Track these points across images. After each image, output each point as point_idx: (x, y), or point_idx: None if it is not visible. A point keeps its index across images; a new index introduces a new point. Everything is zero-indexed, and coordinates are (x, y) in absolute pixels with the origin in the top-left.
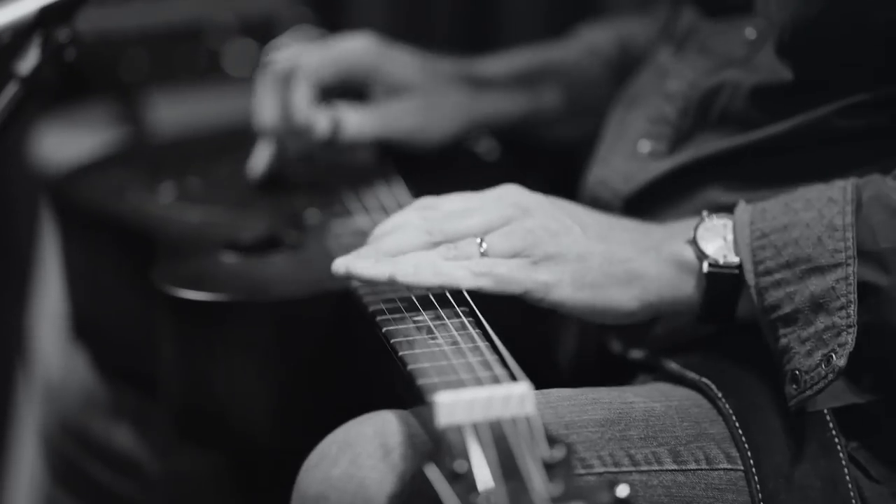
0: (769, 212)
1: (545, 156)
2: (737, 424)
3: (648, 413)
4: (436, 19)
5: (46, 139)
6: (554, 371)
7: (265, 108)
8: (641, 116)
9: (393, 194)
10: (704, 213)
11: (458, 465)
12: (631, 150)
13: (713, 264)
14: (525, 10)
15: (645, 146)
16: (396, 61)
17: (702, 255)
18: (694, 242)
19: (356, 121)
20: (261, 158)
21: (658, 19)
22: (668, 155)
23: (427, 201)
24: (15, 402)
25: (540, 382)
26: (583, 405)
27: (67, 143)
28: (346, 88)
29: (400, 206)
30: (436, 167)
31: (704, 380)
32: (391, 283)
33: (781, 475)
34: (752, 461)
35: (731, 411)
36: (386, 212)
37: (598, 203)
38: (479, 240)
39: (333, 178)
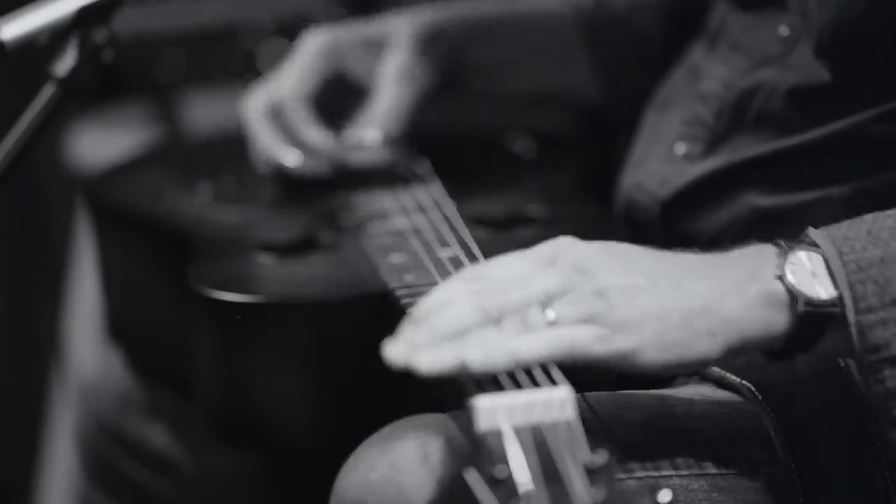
0: (853, 241)
1: (579, 153)
2: (778, 428)
3: (688, 416)
4: None
5: (82, 140)
6: (591, 373)
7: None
8: (676, 118)
9: (429, 193)
10: (780, 241)
11: (499, 471)
12: (667, 152)
13: (810, 301)
14: None
15: (681, 148)
16: (353, 49)
17: (797, 293)
18: (782, 278)
19: (372, 131)
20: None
21: None
22: (704, 157)
23: (473, 271)
24: (50, 402)
25: (578, 386)
26: (621, 408)
27: (103, 143)
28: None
29: (438, 206)
30: (472, 166)
31: (746, 383)
32: (462, 372)
33: (824, 480)
34: (793, 465)
35: (772, 415)
36: (423, 211)
37: (634, 207)
38: (542, 308)
39: (369, 177)
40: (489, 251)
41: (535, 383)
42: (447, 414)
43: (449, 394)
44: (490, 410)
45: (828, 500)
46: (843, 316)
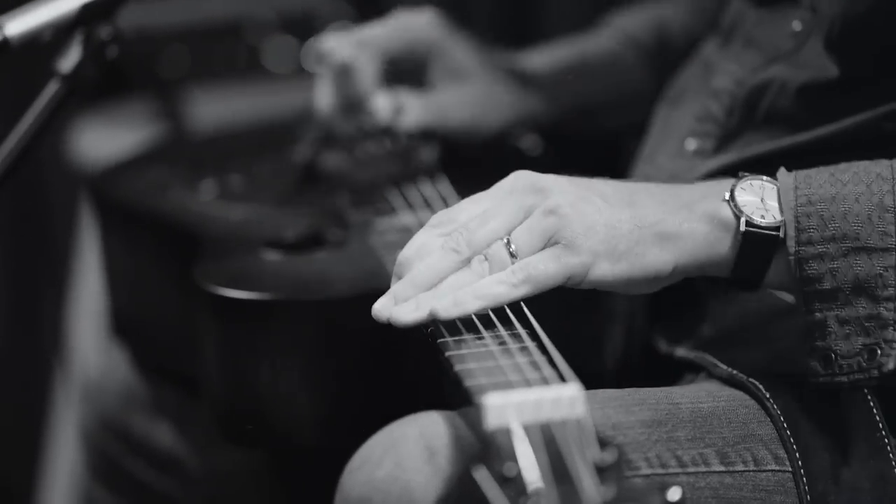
0: (814, 179)
1: (588, 150)
2: (785, 425)
3: (695, 414)
4: (477, 14)
5: (86, 136)
6: (600, 371)
7: (323, 92)
8: (688, 114)
9: (437, 190)
10: (741, 173)
11: (508, 468)
12: (677, 148)
13: (750, 223)
14: (565, 3)
15: (691, 144)
16: (458, 44)
17: (739, 213)
18: (731, 201)
19: (417, 108)
20: (305, 147)
21: (690, 2)
22: (715, 153)
23: (440, 216)
24: (53, 399)
25: (586, 383)
26: (629, 406)
27: (107, 139)
28: (406, 68)
29: (444, 202)
30: (478, 162)
31: (752, 380)
32: (437, 320)
33: (830, 476)
34: (800, 462)
35: (778, 412)
36: (430, 208)
37: None
38: (506, 241)
39: (376, 174)
40: None
41: (545, 380)
42: (453, 411)
43: (456, 391)
44: (499, 408)
45: (833, 498)
46: (785, 245)
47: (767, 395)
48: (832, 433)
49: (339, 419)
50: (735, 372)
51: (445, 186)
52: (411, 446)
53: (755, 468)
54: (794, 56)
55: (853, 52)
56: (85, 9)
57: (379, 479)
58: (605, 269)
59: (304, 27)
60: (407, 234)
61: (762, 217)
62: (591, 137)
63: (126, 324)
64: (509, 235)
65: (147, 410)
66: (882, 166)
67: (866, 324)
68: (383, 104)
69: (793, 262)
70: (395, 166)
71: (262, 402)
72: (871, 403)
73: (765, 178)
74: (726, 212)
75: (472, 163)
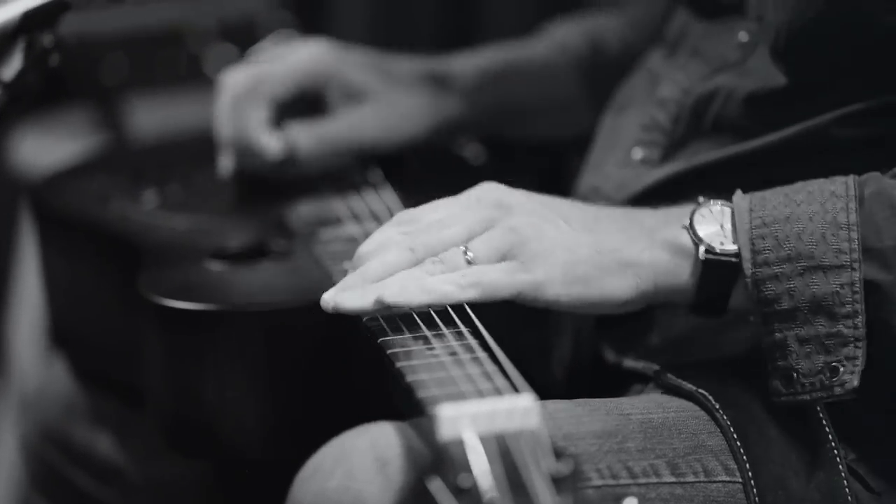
0: (769, 201)
1: (532, 158)
2: (735, 436)
3: (645, 424)
4: (419, 20)
5: (25, 144)
6: (548, 381)
7: (222, 124)
8: (634, 123)
9: (381, 200)
10: (700, 198)
11: (463, 479)
12: (624, 157)
13: (710, 250)
14: (508, 9)
15: (638, 153)
16: (353, 65)
17: (698, 241)
18: (690, 228)
19: (309, 139)
20: (226, 165)
21: (629, 14)
22: (662, 162)
23: (405, 215)
24: None
25: (534, 392)
26: (579, 416)
27: (47, 147)
28: (303, 97)
29: (389, 212)
30: (423, 172)
31: (701, 391)
32: (380, 308)
33: (780, 487)
34: (750, 473)
35: (728, 423)
36: (375, 218)
37: None
38: (463, 248)
39: (320, 183)
40: None
41: (499, 391)
42: (405, 422)
43: (407, 401)
44: (453, 419)
45: None
46: (742, 270)
47: (717, 406)
48: (782, 445)
49: (285, 430)
50: (684, 382)
51: (390, 196)
52: (362, 456)
53: (706, 479)
54: (740, 66)
55: (800, 60)
56: (26, 17)
57: (330, 489)
58: (559, 291)
59: (246, 35)
60: (353, 244)
61: (721, 243)
62: (533, 146)
63: (67, 334)
64: (467, 244)
65: (88, 420)
66: (836, 184)
67: (826, 342)
68: (272, 145)
69: (749, 283)
70: (337, 178)
71: (207, 413)
72: (821, 415)
73: (721, 202)
74: (685, 239)
75: (416, 172)
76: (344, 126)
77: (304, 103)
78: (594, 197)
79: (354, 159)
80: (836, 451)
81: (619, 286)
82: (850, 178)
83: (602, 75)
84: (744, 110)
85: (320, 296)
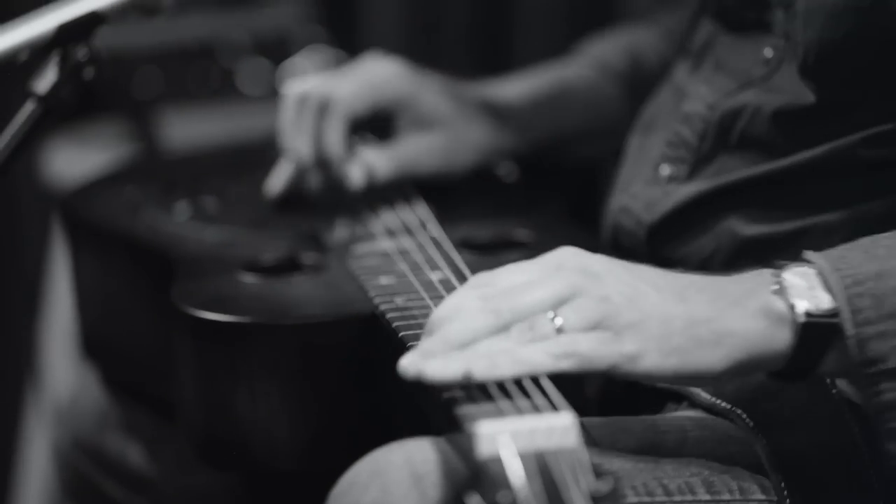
0: (850, 259)
1: (564, 176)
2: (771, 455)
3: (680, 443)
4: (452, 35)
5: (58, 156)
6: (581, 400)
7: (298, 140)
8: (660, 140)
9: (415, 215)
10: (777, 262)
11: (502, 497)
12: (651, 175)
13: (809, 312)
14: (539, 24)
15: (665, 170)
16: (429, 91)
17: (793, 305)
18: (782, 292)
19: (388, 166)
20: (280, 178)
21: (664, 26)
22: (689, 179)
23: (482, 278)
24: (26, 419)
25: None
26: (614, 434)
27: (79, 160)
28: (376, 117)
29: (424, 227)
30: (456, 188)
31: (737, 410)
32: (468, 380)
33: None
34: (785, 492)
35: (764, 441)
36: (408, 232)
37: (621, 232)
38: (551, 315)
39: (353, 197)
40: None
41: (537, 409)
42: (439, 437)
43: (443, 417)
44: (492, 436)
45: None
46: (842, 329)
47: (751, 425)
48: (818, 464)
49: (316, 443)
50: (718, 401)
51: (424, 211)
52: (398, 472)
53: (741, 497)
54: (766, 82)
55: (829, 78)
56: (62, 29)
57: None
58: (653, 363)
59: (278, 50)
60: (387, 259)
61: (817, 306)
62: (567, 165)
63: (98, 345)
64: (555, 310)
65: (120, 431)
66: None
67: None
68: (356, 174)
69: (853, 344)
70: (370, 192)
71: (238, 425)
72: (858, 436)
73: (801, 264)
74: (780, 305)
75: (448, 188)
76: (416, 152)
77: (372, 123)
78: (625, 217)
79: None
80: (871, 471)
81: (713, 358)
82: None
83: (643, 91)
84: (770, 127)
85: (353, 310)
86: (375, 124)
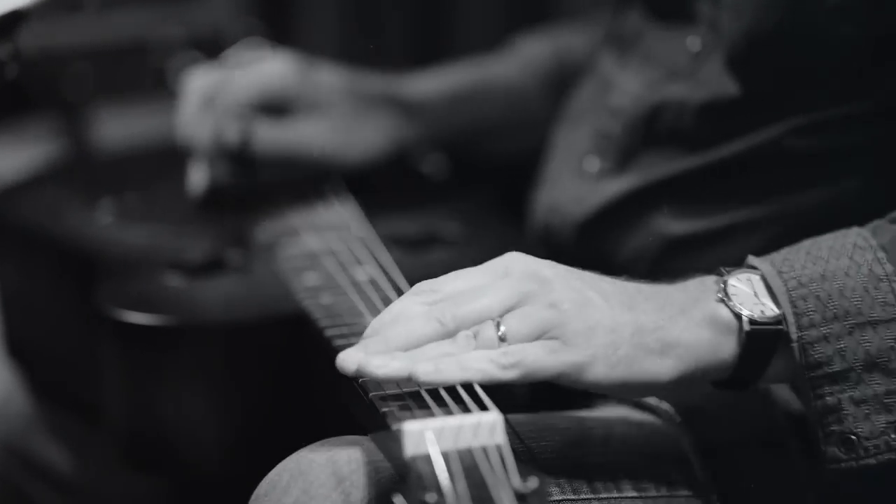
0: (792, 261)
1: (492, 171)
2: (697, 450)
3: (607, 438)
4: (388, 28)
5: None
6: (509, 395)
7: (195, 129)
8: (587, 134)
9: (341, 212)
10: (721, 269)
11: (429, 497)
12: (578, 168)
13: (753, 321)
14: (479, 16)
15: (592, 164)
16: (318, 84)
17: (739, 312)
18: (726, 300)
19: (268, 135)
20: (199, 175)
21: (600, 26)
22: (617, 173)
23: (426, 285)
24: None
25: (498, 408)
26: (540, 430)
27: (9, 160)
28: (268, 111)
29: (348, 226)
30: (383, 184)
31: (664, 405)
32: (409, 381)
33: (744, 499)
34: (714, 487)
35: (691, 437)
36: (334, 229)
37: (551, 230)
38: (495, 322)
39: (280, 196)
40: (404, 272)
41: (464, 407)
42: (363, 437)
43: (369, 416)
44: (418, 434)
45: None
46: (787, 335)
47: (679, 420)
48: (746, 459)
49: (243, 446)
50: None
51: (351, 208)
52: (320, 472)
53: (668, 493)
54: (693, 75)
55: (755, 70)
56: None
57: None
58: (600, 373)
59: (212, 44)
60: (313, 257)
61: (762, 311)
62: (495, 160)
63: (23, 347)
64: (500, 318)
65: (47, 434)
66: (852, 235)
67: (886, 400)
68: (231, 130)
69: (796, 348)
70: (297, 191)
71: (164, 428)
72: (782, 426)
73: (744, 269)
74: (724, 313)
75: (376, 187)
76: (300, 133)
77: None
78: (553, 216)
79: (311, 171)
80: (800, 468)
81: (660, 368)
82: (860, 229)
83: (570, 80)
84: (697, 121)
85: (279, 310)
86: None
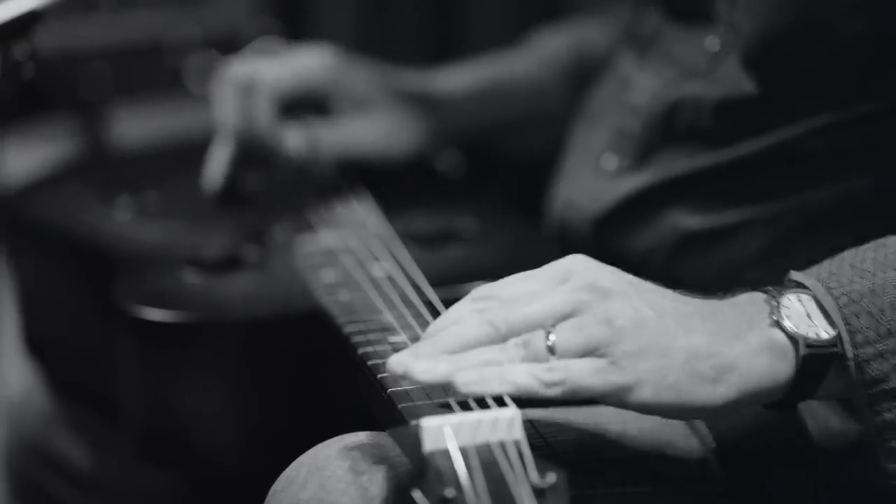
0: (839, 276)
1: (510, 168)
2: (712, 444)
3: (622, 433)
4: (403, 27)
5: (5, 156)
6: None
7: (228, 116)
8: (605, 131)
9: (359, 210)
10: (768, 288)
11: (447, 491)
12: (596, 165)
13: (810, 344)
14: (492, 14)
15: (610, 161)
16: (355, 78)
17: (795, 337)
18: (780, 323)
19: (333, 139)
20: (217, 168)
21: (617, 19)
22: (634, 170)
23: (483, 290)
24: None
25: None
26: (556, 426)
27: (26, 159)
28: (306, 103)
29: (365, 222)
30: (401, 181)
31: None
32: (450, 387)
33: (758, 494)
34: (728, 479)
35: (706, 430)
36: (352, 227)
37: (567, 226)
38: (546, 332)
39: (296, 192)
40: (421, 268)
41: (482, 403)
42: (381, 432)
43: (388, 413)
44: (436, 430)
45: None
46: (843, 354)
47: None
48: (760, 452)
49: (260, 441)
50: None
51: (368, 206)
52: (336, 468)
53: (683, 487)
54: (711, 73)
55: (771, 69)
56: None
57: (304, 500)
58: (648, 397)
59: (229, 45)
60: (330, 254)
61: (817, 334)
62: (513, 157)
63: (41, 345)
64: (552, 327)
65: (66, 430)
66: (892, 245)
67: None
68: (296, 141)
69: (852, 367)
70: (314, 186)
71: (181, 424)
72: (800, 422)
73: (793, 290)
74: (780, 337)
75: (393, 183)
76: (353, 130)
77: (309, 109)
78: (570, 212)
79: (334, 169)
80: (814, 463)
81: (713, 395)
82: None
83: (589, 85)
84: (714, 118)
85: (297, 306)
86: (311, 111)
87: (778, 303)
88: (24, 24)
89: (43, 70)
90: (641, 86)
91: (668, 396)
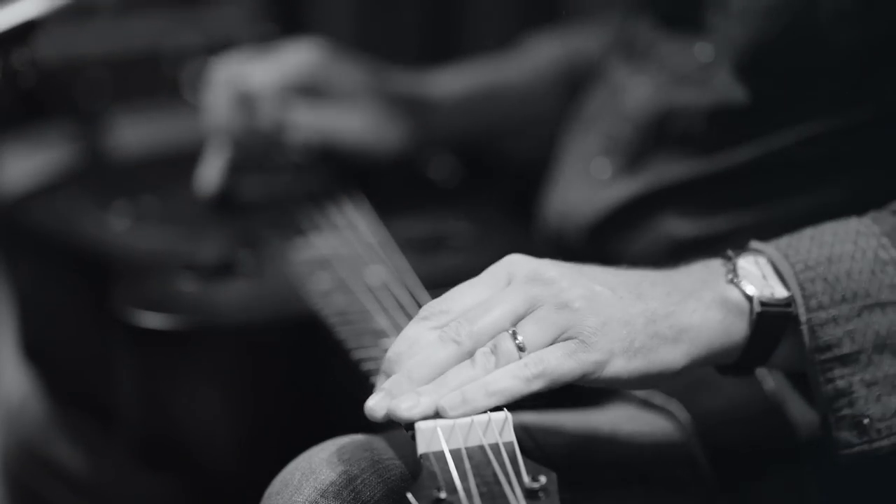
0: (797, 246)
1: (503, 174)
2: (704, 447)
3: (615, 436)
4: (402, 32)
5: (4, 163)
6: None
7: (222, 121)
8: (597, 137)
9: (353, 216)
10: (729, 252)
11: (440, 494)
12: (588, 172)
13: (764, 302)
14: (491, 13)
15: (602, 168)
16: (342, 73)
17: (749, 294)
18: (736, 282)
19: (303, 119)
20: (211, 174)
21: (610, 26)
22: (627, 177)
23: (433, 306)
24: None
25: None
26: (549, 429)
27: (24, 166)
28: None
29: (359, 228)
30: (395, 188)
31: (668, 404)
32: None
33: (751, 496)
34: (718, 483)
35: (696, 434)
36: (347, 233)
37: (560, 233)
38: (510, 332)
39: (291, 198)
40: (414, 273)
41: None
42: (375, 435)
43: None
44: (429, 432)
45: None
46: (796, 316)
47: (683, 418)
48: (751, 455)
49: (255, 445)
50: (654, 395)
51: (361, 214)
52: (330, 471)
53: (675, 489)
54: (704, 81)
55: (762, 77)
56: None
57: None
58: (620, 367)
59: (228, 50)
60: (324, 260)
61: (771, 293)
62: (507, 163)
63: (39, 351)
64: (514, 327)
65: (62, 435)
66: (854, 223)
67: None
68: (266, 111)
69: (805, 331)
70: (308, 193)
71: (178, 430)
72: (789, 427)
73: (750, 252)
74: (735, 294)
75: (387, 191)
76: (335, 121)
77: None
78: (565, 221)
79: (328, 173)
80: (806, 469)
81: (675, 355)
82: (860, 218)
83: (581, 92)
84: (706, 125)
85: (292, 311)
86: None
87: (734, 265)
88: (24, 31)
89: (42, 77)
90: (634, 93)
91: (636, 363)
